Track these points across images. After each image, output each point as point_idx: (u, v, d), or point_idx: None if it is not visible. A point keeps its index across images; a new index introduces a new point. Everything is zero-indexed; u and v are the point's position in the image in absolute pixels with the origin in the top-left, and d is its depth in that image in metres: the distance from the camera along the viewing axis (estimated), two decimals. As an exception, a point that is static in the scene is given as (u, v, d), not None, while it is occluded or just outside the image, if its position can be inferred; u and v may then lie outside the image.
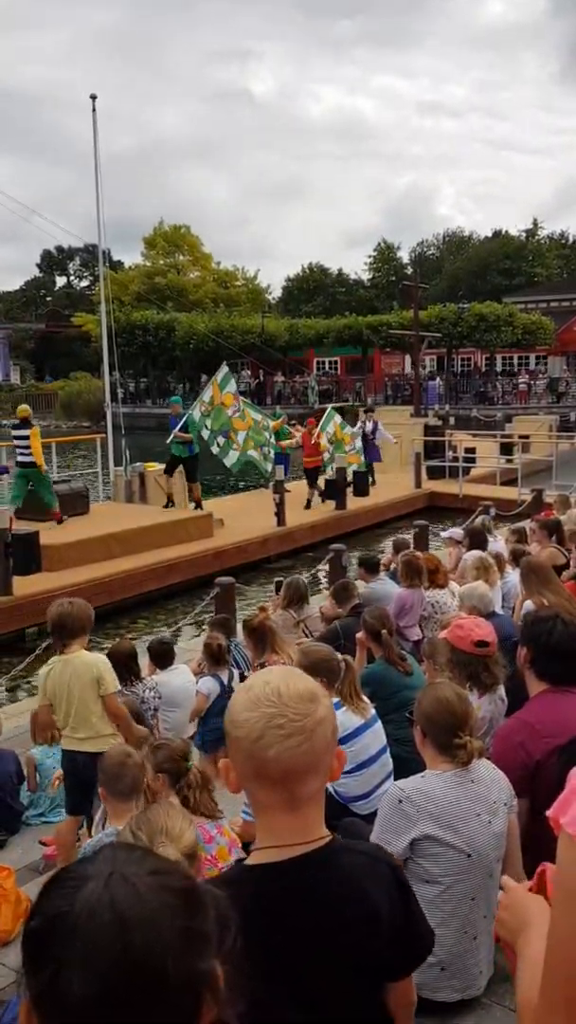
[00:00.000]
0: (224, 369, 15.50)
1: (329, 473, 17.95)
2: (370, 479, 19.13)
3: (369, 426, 19.64)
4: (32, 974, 0.84)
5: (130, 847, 0.94)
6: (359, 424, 19.82)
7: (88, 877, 0.87)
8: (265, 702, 1.43)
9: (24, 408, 13.86)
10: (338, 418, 18.13)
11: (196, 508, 15.23)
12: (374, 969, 1.49)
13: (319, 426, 17.54)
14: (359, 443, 18.71)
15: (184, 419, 14.69)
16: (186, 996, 0.83)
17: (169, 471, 15.39)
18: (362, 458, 18.68)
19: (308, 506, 16.97)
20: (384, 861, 1.58)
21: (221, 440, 14.97)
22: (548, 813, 1.18)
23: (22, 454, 13.15)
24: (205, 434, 14.77)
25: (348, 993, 1.45)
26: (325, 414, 18.29)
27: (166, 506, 15.12)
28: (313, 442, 17.15)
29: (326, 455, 17.58)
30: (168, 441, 15.06)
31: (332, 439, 17.72)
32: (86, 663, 4.55)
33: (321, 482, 17.68)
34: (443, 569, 7.55)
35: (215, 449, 14.96)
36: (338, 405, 37.94)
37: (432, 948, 1.68)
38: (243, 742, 1.43)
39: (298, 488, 17.59)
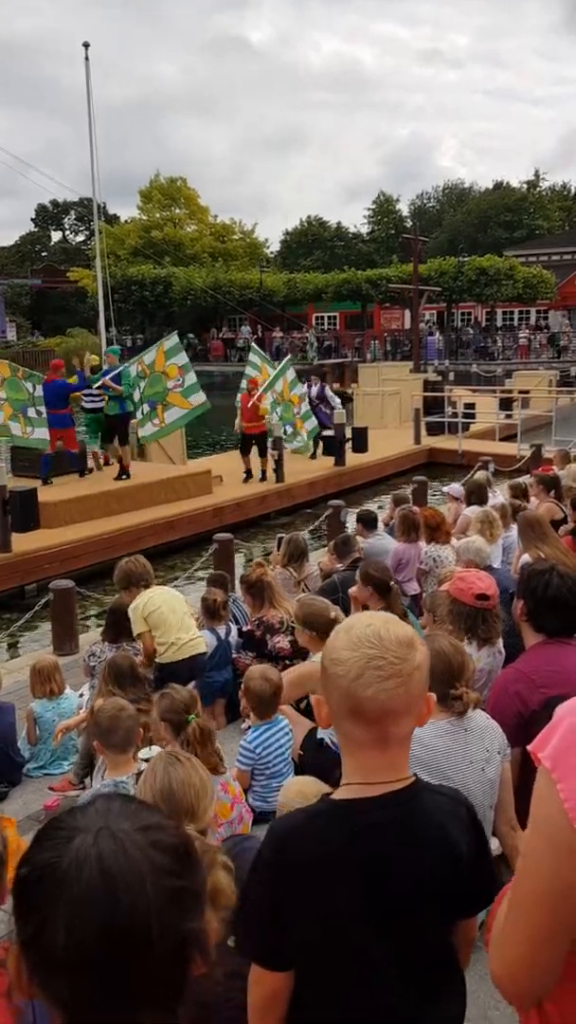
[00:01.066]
0: (174, 338, 14.58)
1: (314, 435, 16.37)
2: (315, 450, 17.05)
3: (314, 390, 17.42)
4: (20, 921, 0.86)
5: (125, 799, 0.94)
6: (305, 387, 17.42)
7: (79, 829, 0.87)
8: (366, 643, 1.47)
9: (93, 358, 14.83)
10: (290, 374, 15.84)
11: (122, 477, 13.41)
12: (451, 904, 1.56)
13: (263, 385, 15.31)
14: (305, 406, 16.27)
15: (118, 371, 13.55)
16: (170, 954, 0.84)
17: (108, 437, 13.93)
18: (306, 424, 16.19)
19: (247, 479, 14.99)
20: (463, 803, 1.64)
21: (147, 408, 13.96)
22: (529, 748, 1.19)
23: (89, 402, 13.92)
24: (136, 395, 13.84)
25: (428, 925, 1.52)
26: (278, 368, 15.98)
27: (119, 477, 13.44)
28: (251, 405, 14.85)
29: (274, 417, 15.17)
30: (96, 386, 13.57)
31: (279, 399, 15.43)
32: (168, 589, 5.78)
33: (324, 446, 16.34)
34: (445, 526, 7.54)
35: (139, 415, 13.96)
36: (337, 361, 37.73)
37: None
38: (341, 680, 1.46)
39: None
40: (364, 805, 1.49)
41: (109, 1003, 0.82)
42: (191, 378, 14.05)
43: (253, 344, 20.41)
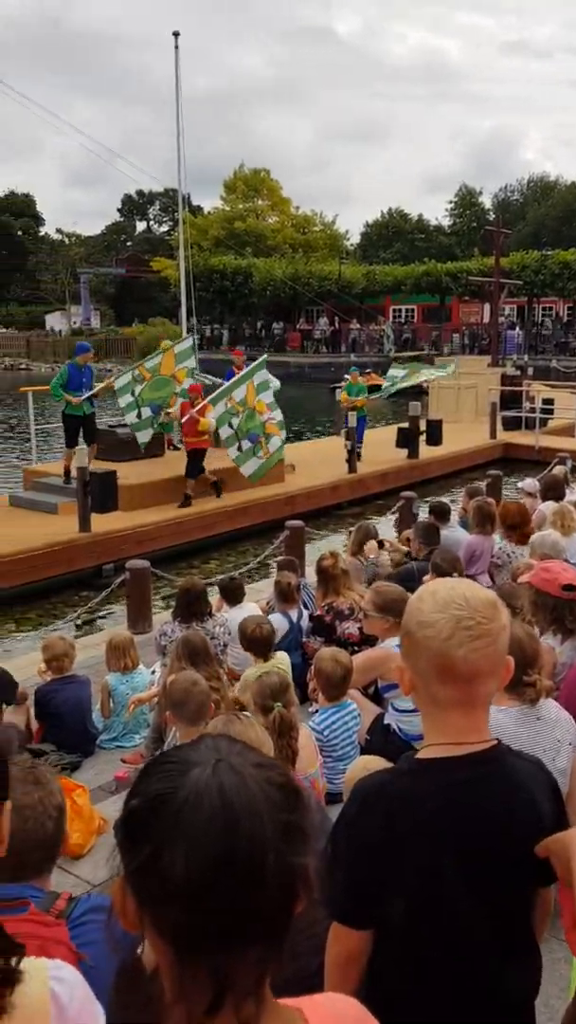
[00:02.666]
0: (188, 341, 14.06)
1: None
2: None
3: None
4: (129, 852, 0.87)
5: (230, 739, 0.96)
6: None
7: (192, 763, 0.88)
8: (454, 605, 1.50)
9: (166, 343, 14.66)
10: (260, 377, 13.28)
11: (67, 481, 11.97)
12: (534, 870, 1.53)
13: (218, 394, 12.85)
14: (278, 414, 13.62)
15: (86, 373, 12.41)
16: (282, 888, 0.85)
17: (76, 440, 12.39)
18: (283, 433, 13.74)
19: (186, 503, 12.27)
20: (546, 771, 1.65)
21: (147, 412, 13.01)
22: None
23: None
24: (125, 400, 12.78)
25: (512, 888, 1.52)
26: (242, 372, 13.46)
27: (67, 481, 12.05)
28: (189, 417, 12.30)
29: (226, 431, 12.65)
30: (81, 400, 12.16)
31: (237, 408, 12.73)
32: None
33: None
34: (527, 528, 7.35)
35: (131, 419, 12.89)
36: (415, 354, 37.34)
37: None
38: (432, 641, 1.49)
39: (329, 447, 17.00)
40: (450, 763, 1.49)
41: (222, 933, 0.83)
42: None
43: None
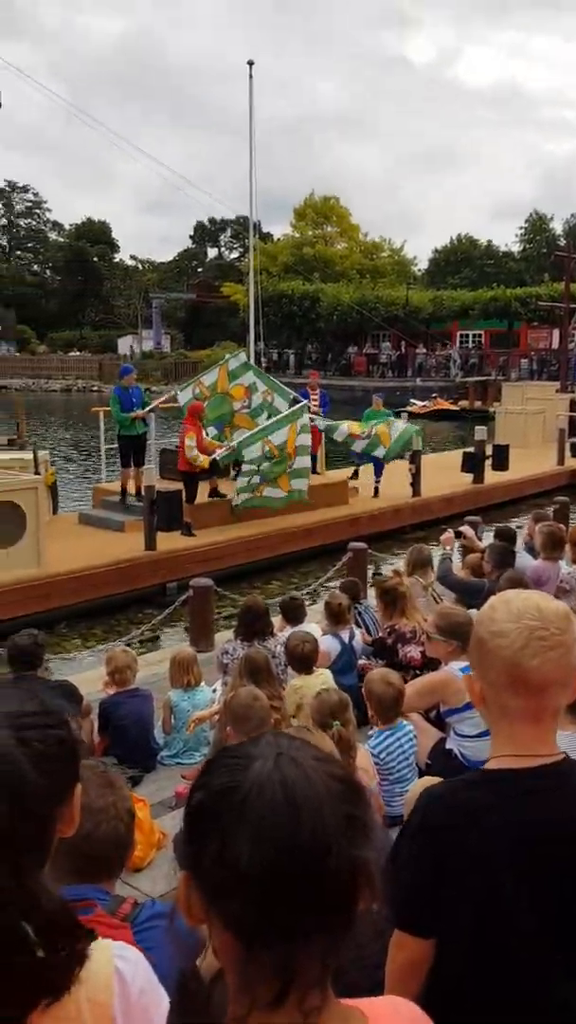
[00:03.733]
0: (241, 359, 13.83)
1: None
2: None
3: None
4: (193, 846, 0.89)
5: (290, 736, 0.97)
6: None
7: (254, 757, 0.89)
8: (527, 615, 1.50)
9: None
10: (303, 420, 12.76)
11: (137, 497, 12.08)
12: None
13: (252, 435, 12.26)
14: (303, 461, 12.83)
15: (134, 394, 12.44)
16: (345, 881, 0.86)
17: (130, 460, 12.59)
18: (293, 483, 12.77)
19: (188, 530, 11.59)
20: None
21: (211, 431, 12.90)
22: None
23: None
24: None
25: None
26: (291, 411, 12.93)
27: (123, 500, 12.56)
28: (183, 442, 11.78)
29: (249, 466, 12.09)
30: (144, 413, 12.48)
31: (276, 451, 12.25)
32: None
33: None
34: None
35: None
36: (481, 379, 37.02)
37: None
38: (504, 651, 1.49)
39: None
40: (518, 775, 1.49)
41: (286, 925, 0.83)
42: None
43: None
